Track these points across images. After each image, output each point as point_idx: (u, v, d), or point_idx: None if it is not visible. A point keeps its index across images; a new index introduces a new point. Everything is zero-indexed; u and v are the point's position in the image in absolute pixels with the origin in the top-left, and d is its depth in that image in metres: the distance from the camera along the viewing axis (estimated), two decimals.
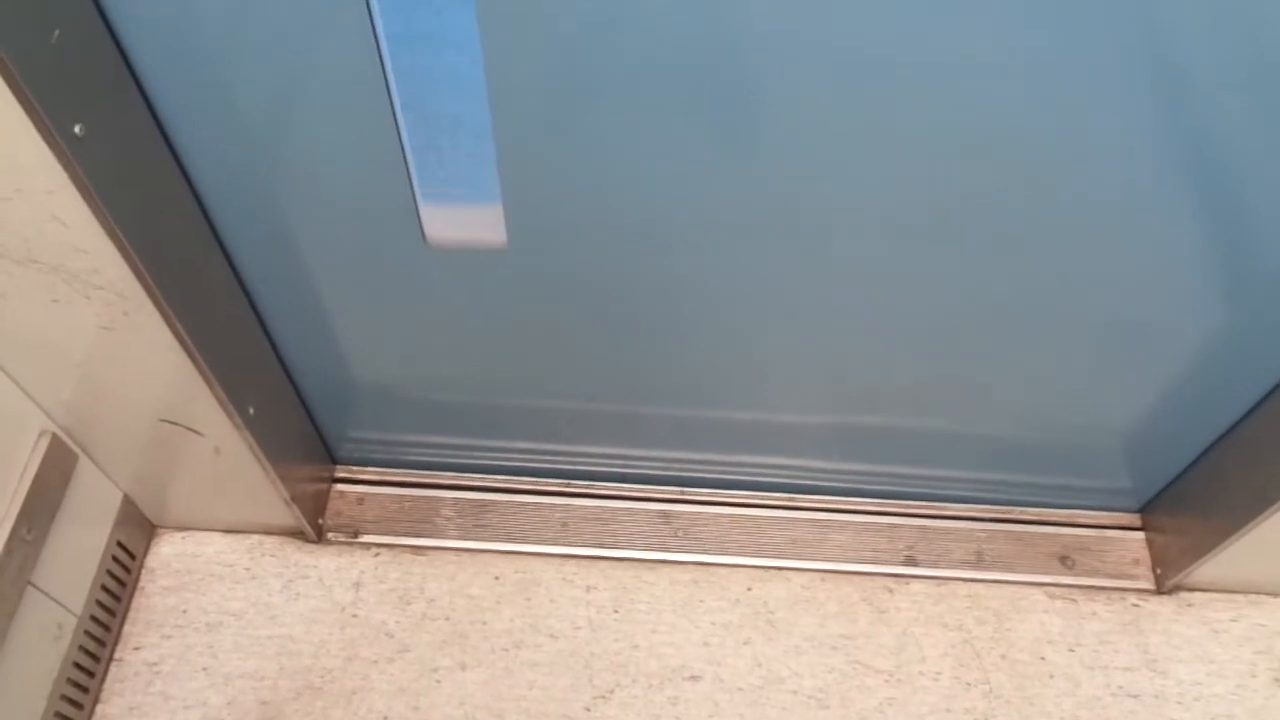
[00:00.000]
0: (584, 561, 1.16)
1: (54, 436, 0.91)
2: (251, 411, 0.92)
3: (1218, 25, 0.62)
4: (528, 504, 1.20)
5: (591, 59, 0.66)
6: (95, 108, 0.64)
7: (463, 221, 0.81)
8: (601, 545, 1.17)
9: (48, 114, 0.60)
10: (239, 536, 1.16)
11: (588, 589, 1.14)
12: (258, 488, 1.03)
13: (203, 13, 0.64)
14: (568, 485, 1.21)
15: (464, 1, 0.62)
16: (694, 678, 1.09)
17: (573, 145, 0.74)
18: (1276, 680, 1.09)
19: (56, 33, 0.59)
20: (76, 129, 0.62)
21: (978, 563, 1.17)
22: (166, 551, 1.14)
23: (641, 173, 0.75)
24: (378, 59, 0.66)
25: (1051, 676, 1.09)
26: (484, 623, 1.11)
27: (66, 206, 0.66)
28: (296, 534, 1.15)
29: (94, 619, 1.02)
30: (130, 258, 0.70)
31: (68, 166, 0.63)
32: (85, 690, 1.02)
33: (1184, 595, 1.15)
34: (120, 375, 0.86)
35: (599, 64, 0.67)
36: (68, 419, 0.92)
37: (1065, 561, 1.17)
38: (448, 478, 1.21)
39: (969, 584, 1.16)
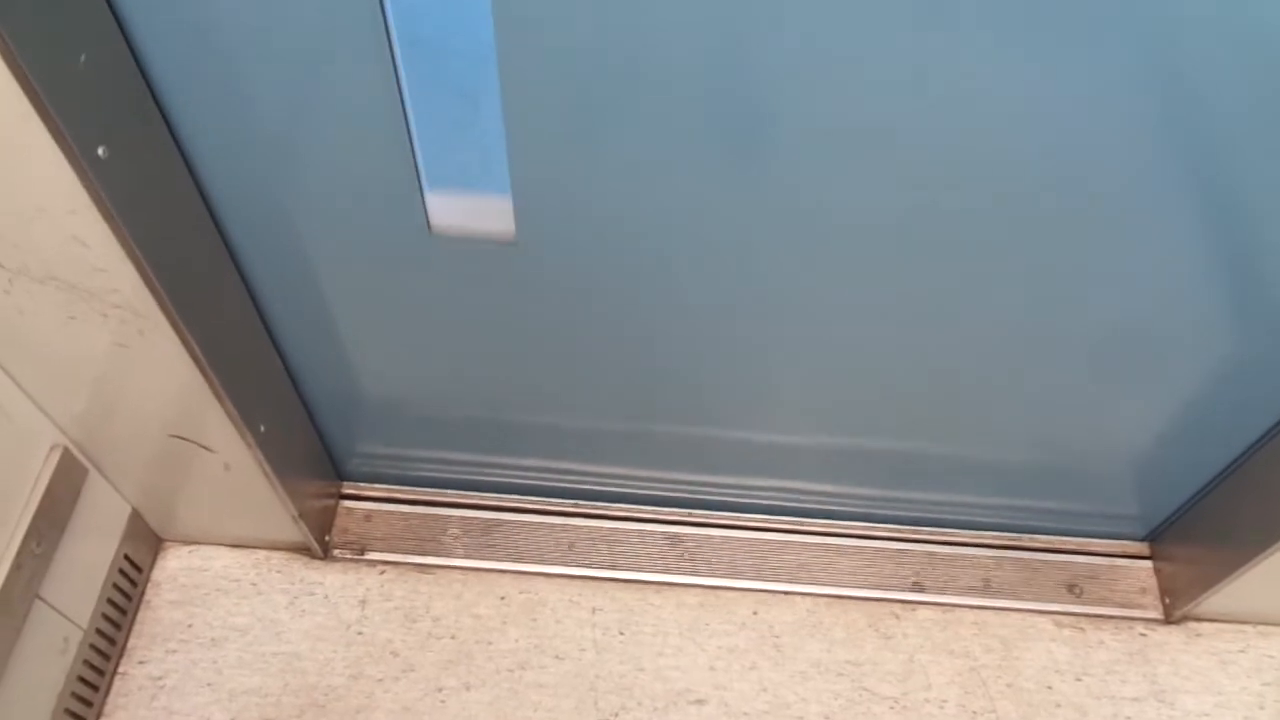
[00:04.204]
0: (590, 583, 1.16)
1: (65, 450, 0.91)
2: (263, 429, 0.92)
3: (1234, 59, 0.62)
4: (534, 524, 1.20)
5: (610, 61, 0.66)
6: (118, 130, 0.64)
7: (469, 210, 0.79)
8: (608, 566, 1.17)
9: (72, 136, 0.60)
10: (245, 551, 1.16)
11: (594, 610, 1.14)
12: (266, 504, 1.03)
13: (223, 37, 0.64)
14: (575, 505, 1.21)
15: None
16: (699, 701, 1.08)
17: (588, 145, 0.72)
18: None
19: (83, 57, 0.59)
20: (100, 151, 0.62)
21: (985, 590, 1.16)
22: (173, 565, 1.14)
23: (657, 184, 0.75)
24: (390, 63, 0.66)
25: (1058, 706, 1.09)
26: (489, 643, 1.11)
27: (87, 226, 0.66)
28: (303, 550, 1.15)
29: (99, 632, 1.02)
30: (148, 277, 0.71)
31: (90, 188, 0.63)
32: (89, 704, 1.02)
33: (1192, 625, 1.15)
34: (133, 391, 0.86)
35: (617, 67, 0.66)
36: (79, 433, 0.92)
37: (1073, 590, 1.16)
38: (455, 496, 1.21)
39: (976, 611, 1.15)
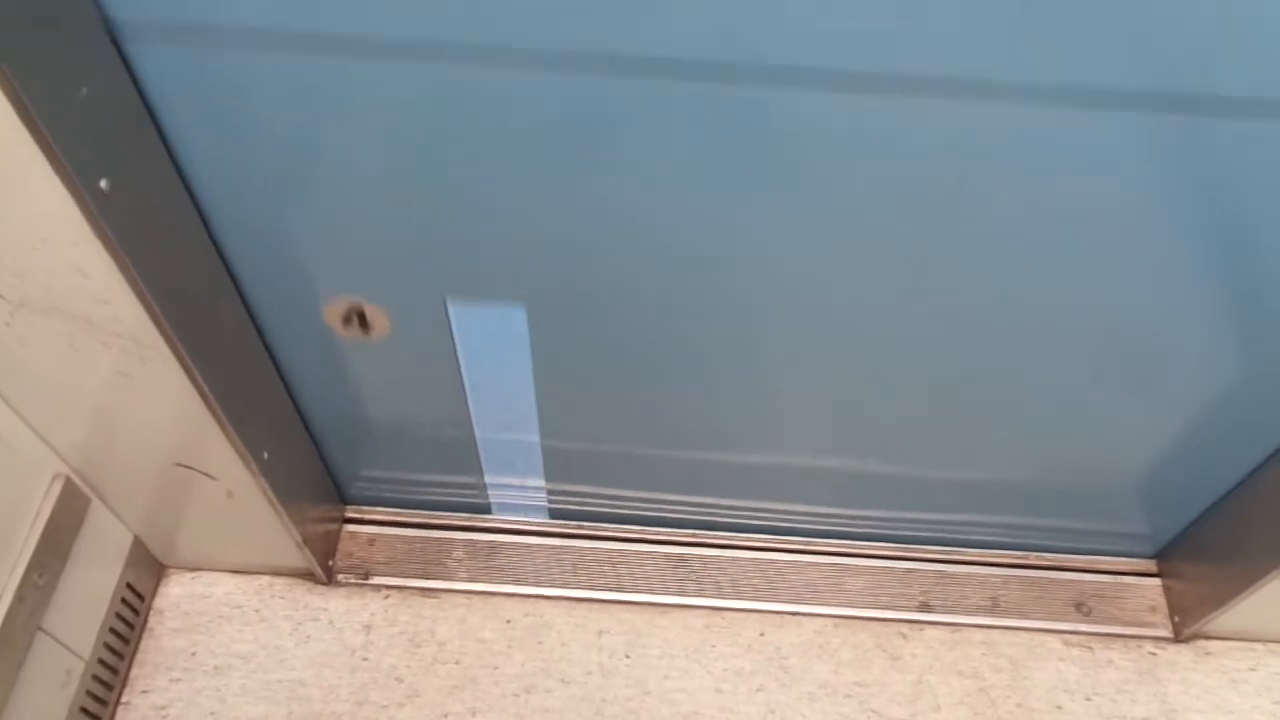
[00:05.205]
0: (595, 605, 1.15)
1: (67, 480, 0.91)
2: (266, 456, 0.92)
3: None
4: (539, 546, 1.19)
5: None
6: (121, 162, 0.64)
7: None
8: (613, 589, 1.16)
9: (74, 169, 0.60)
10: (249, 577, 1.15)
11: (599, 633, 1.13)
12: (269, 530, 1.02)
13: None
14: (579, 527, 1.20)
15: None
16: None
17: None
18: None
19: (84, 90, 0.59)
20: (102, 184, 0.62)
21: (993, 609, 1.16)
22: (176, 592, 1.13)
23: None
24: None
25: None
26: (495, 667, 1.10)
27: (89, 258, 0.66)
28: (307, 575, 1.15)
29: (102, 662, 1.01)
30: (150, 308, 0.70)
31: (92, 220, 0.63)
32: None
33: (1202, 644, 1.14)
34: (136, 420, 0.85)
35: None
36: (81, 462, 0.92)
37: (1081, 608, 1.16)
38: (459, 519, 1.20)
39: (984, 630, 1.15)
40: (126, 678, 1.07)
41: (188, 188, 0.73)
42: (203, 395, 0.80)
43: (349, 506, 1.21)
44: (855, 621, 1.15)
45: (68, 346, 0.75)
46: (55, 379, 0.79)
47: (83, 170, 0.60)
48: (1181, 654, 1.13)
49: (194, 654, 1.09)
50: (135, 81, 0.64)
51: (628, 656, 1.12)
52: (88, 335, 0.74)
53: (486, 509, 1.20)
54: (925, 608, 1.15)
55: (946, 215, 0.73)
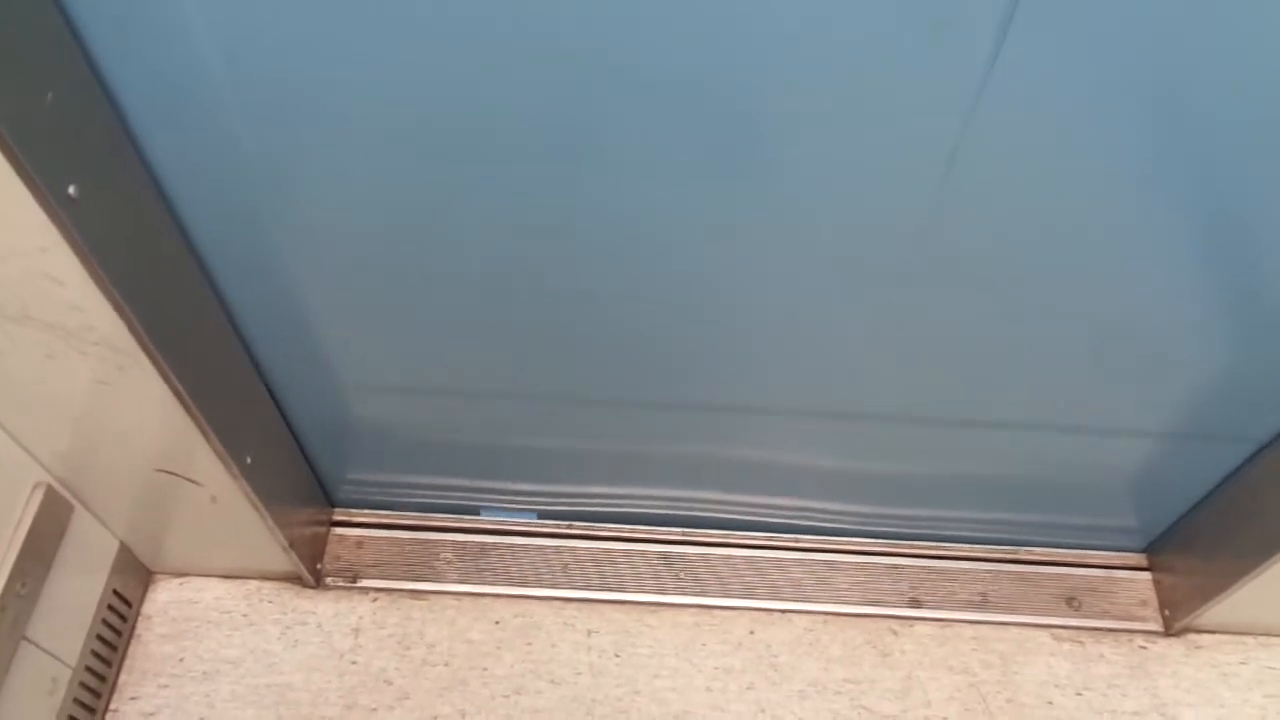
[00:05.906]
0: (585, 605, 1.15)
1: (49, 488, 0.90)
2: (249, 460, 0.91)
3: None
4: (527, 546, 1.19)
5: None
6: (90, 168, 0.63)
7: None
8: (602, 588, 1.16)
9: (41, 176, 0.59)
10: (237, 582, 1.15)
11: (589, 633, 1.13)
12: (255, 534, 1.02)
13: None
14: (568, 527, 1.20)
15: None
16: None
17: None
18: None
19: (50, 96, 0.59)
20: (71, 190, 0.62)
21: (983, 604, 1.15)
22: (163, 598, 1.13)
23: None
24: None
25: None
26: (484, 668, 1.10)
27: (61, 265, 0.65)
28: (295, 579, 1.14)
29: (89, 670, 1.01)
30: (125, 315, 0.70)
31: (61, 227, 0.62)
32: None
33: (1193, 637, 1.14)
34: (116, 427, 0.85)
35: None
36: (63, 470, 0.91)
37: (1072, 603, 1.15)
38: (447, 520, 1.20)
39: (974, 626, 1.14)
40: (115, 685, 1.07)
41: (161, 190, 0.73)
42: (182, 401, 0.80)
43: (336, 509, 1.21)
44: (845, 618, 1.15)
45: (44, 355, 0.75)
46: (33, 387, 0.79)
47: (50, 177, 0.60)
48: (1172, 648, 1.13)
49: (182, 660, 1.09)
50: (104, 84, 0.64)
51: (617, 656, 1.11)
52: (64, 343, 0.74)
53: (475, 510, 1.20)
54: (915, 603, 1.15)
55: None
